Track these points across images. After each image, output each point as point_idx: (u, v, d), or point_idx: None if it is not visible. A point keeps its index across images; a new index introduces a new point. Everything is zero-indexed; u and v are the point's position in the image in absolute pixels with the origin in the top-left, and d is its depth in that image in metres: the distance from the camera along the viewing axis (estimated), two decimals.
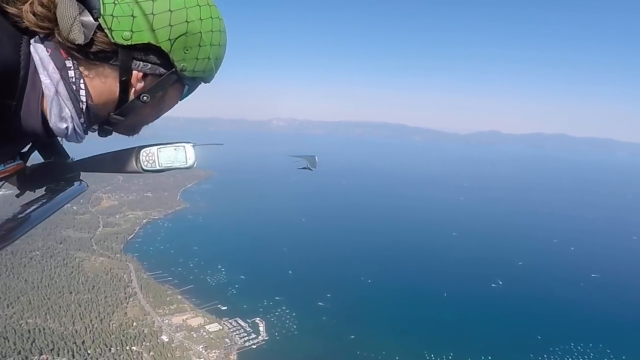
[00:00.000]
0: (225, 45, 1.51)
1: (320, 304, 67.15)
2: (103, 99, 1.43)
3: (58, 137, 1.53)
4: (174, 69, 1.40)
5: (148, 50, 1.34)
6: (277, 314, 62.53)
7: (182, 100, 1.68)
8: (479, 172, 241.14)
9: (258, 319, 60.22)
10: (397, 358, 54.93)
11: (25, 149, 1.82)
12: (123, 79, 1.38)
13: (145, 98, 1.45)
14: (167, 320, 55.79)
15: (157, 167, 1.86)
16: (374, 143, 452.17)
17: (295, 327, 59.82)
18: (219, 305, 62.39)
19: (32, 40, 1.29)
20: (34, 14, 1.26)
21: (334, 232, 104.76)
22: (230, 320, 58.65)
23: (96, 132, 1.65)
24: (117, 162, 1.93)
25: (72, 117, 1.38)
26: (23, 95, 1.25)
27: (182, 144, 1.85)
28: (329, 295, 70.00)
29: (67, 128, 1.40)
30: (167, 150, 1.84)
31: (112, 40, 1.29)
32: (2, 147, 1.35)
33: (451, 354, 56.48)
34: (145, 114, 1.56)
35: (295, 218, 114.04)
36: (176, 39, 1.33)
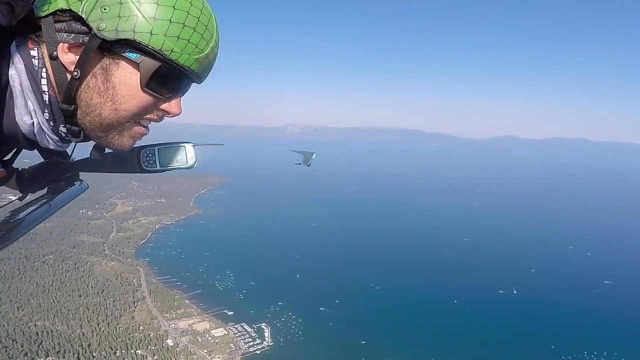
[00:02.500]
0: (183, 11, 1.24)
1: (326, 310, 67.09)
2: (56, 87, 1.32)
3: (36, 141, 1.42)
4: (92, 32, 1.21)
5: (69, 20, 1.24)
6: (283, 319, 62.60)
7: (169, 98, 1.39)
8: (494, 179, 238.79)
9: (264, 324, 60.38)
10: None
11: (9, 157, 1.73)
12: (51, 54, 1.26)
13: (75, 74, 1.26)
14: (173, 325, 56.34)
15: (158, 168, 1.84)
16: (389, 149, 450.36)
17: (301, 333, 59.84)
18: (225, 311, 62.67)
19: (14, 43, 1.27)
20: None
21: (345, 239, 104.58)
22: (236, 326, 58.92)
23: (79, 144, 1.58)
24: (117, 162, 1.92)
25: (35, 110, 1.30)
26: (3, 103, 1.23)
27: (183, 144, 1.83)
28: (337, 301, 69.93)
29: (32, 124, 1.32)
30: (168, 150, 1.83)
31: (37, 15, 1.24)
32: None
33: None
34: (94, 102, 1.32)
35: (306, 225, 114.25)
36: None
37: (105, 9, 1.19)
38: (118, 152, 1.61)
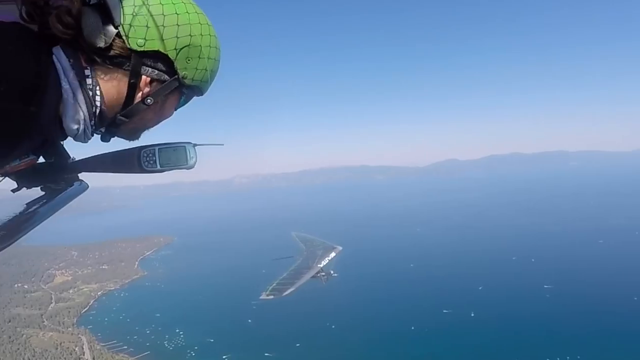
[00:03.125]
0: (219, 61, 1.68)
1: (276, 354, 67.05)
2: (113, 101, 1.58)
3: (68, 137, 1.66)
4: (176, 76, 1.57)
5: (156, 58, 1.53)
6: None
7: (177, 110, 1.82)
8: (437, 203, 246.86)
9: None
10: None
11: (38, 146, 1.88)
12: (132, 81, 1.54)
13: (149, 101, 1.59)
14: None
15: (157, 168, 1.88)
16: (338, 188, 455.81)
17: None
18: None
19: (54, 49, 1.44)
20: (61, 22, 1.40)
21: (286, 264, 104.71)
22: None
23: (99, 137, 1.78)
24: (117, 162, 1.97)
25: (84, 119, 1.52)
26: (43, 100, 1.34)
27: (183, 144, 1.87)
28: (297, 345, 70.08)
29: (77, 129, 1.53)
30: (167, 150, 1.87)
31: (128, 46, 1.47)
32: (22, 145, 1.43)
33: None
34: (147, 117, 1.69)
35: (256, 272, 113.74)
36: (181, 49, 1.53)
37: (188, 60, 1.55)
38: (119, 151, 1.90)
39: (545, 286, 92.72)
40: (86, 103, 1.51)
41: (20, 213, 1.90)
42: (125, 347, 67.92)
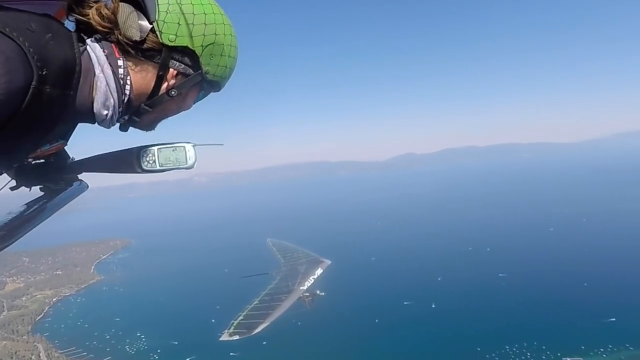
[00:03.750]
0: (237, 60, 1.80)
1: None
2: (141, 91, 1.69)
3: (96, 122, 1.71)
4: (200, 71, 1.68)
5: (184, 53, 1.65)
6: None
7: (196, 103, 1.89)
8: (397, 197, 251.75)
9: None
10: None
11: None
12: (160, 73, 1.65)
13: (173, 93, 1.70)
14: None
15: (157, 167, 1.91)
16: (300, 184, 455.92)
17: None
18: None
19: (88, 40, 1.58)
20: (100, 16, 1.57)
21: (257, 281, 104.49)
22: None
23: (118, 127, 1.84)
24: (116, 162, 2.01)
25: (114, 106, 1.61)
26: (78, 86, 1.46)
27: (182, 144, 1.90)
28: (264, 343, 69.99)
29: (107, 115, 1.62)
30: (167, 150, 1.90)
31: (161, 41, 1.59)
32: (57, 129, 1.51)
33: None
34: (169, 108, 1.79)
35: (218, 273, 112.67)
36: (207, 46, 1.64)
37: (212, 57, 1.67)
38: (118, 151, 1.99)
39: (499, 274, 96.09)
40: (117, 91, 1.60)
41: (19, 213, 1.91)
42: (85, 353, 65.90)
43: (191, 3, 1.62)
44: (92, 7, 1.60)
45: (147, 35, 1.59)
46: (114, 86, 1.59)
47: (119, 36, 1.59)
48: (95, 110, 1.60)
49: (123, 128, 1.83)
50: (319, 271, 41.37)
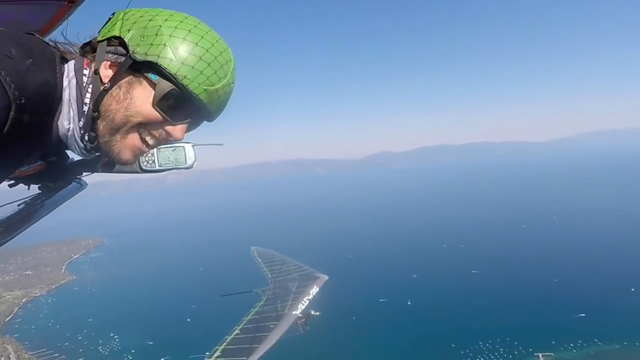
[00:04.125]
0: (203, 48, 1.49)
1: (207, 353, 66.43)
2: (93, 97, 1.52)
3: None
4: (128, 54, 1.46)
5: (117, 44, 1.49)
6: None
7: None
8: (374, 195, 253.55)
9: None
10: None
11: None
12: (96, 69, 1.50)
13: (107, 85, 1.49)
14: None
15: (157, 167, 1.87)
16: (277, 182, 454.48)
17: None
18: None
19: (69, 62, 1.53)
20: None
21: (232, 279, 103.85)
22: None
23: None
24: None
25: (74, 117, 1.50)
26: (56, 109, 1.42)
27: (182, 144, 1.82)
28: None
29: (68, 129, 1.51)
30: (167, 150, 1.84)
31: (97, 39, 1.52)
32: (34, 153, 1.49)
33: None
34: (112, 108, 1.51)
35: (194, 272, 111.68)
36: (137, 30, 1.47)
37: (143, 38, 1.45)
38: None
39: (473, 271, 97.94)
40: (77, 100, 1.50)
41: (18, 210, 1.92)
42: (57, 354, 64.72)
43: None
44: None
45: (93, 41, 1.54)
46: (74, 95, 1.49)
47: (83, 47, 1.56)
48: (58, 122, 1.51)
49: (88, 153, 1.64)
50: (314, 290, 33.83)
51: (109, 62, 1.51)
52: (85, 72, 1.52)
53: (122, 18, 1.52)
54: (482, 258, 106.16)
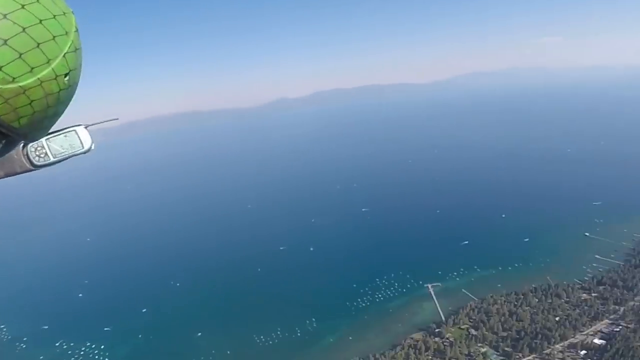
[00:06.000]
0: None
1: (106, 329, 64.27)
2: None
3: None
4: None
5: None
6: (82, 352, 58.83)
7: None
8: (272, 140, 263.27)
9: None
10: None
11: None
12: None
13: None
14: None
15: (52, 160, 1.72)
16: (169, 135, 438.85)
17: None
18: None
19: None
20: None
21: (121, 248, 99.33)
22: None
23: None
24: (3, 165, 1.76)
25: None
26: None
27: (72, 128, 1.71)
28: (144, 310, 68.69)
29: None
30: (58, 139, 1.70)
31: None
32: None
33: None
34: None
35: (79, 241, 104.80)
36: None
37: None
38: (2, 155, 1.67)
39: (363, 209, 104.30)
40: None
41: None
42: None
43: None
44: None
45: None
46: None
47: None
48: None
49: None
50: None
51: None
52: None
53: None
54: (372, 196, 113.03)
